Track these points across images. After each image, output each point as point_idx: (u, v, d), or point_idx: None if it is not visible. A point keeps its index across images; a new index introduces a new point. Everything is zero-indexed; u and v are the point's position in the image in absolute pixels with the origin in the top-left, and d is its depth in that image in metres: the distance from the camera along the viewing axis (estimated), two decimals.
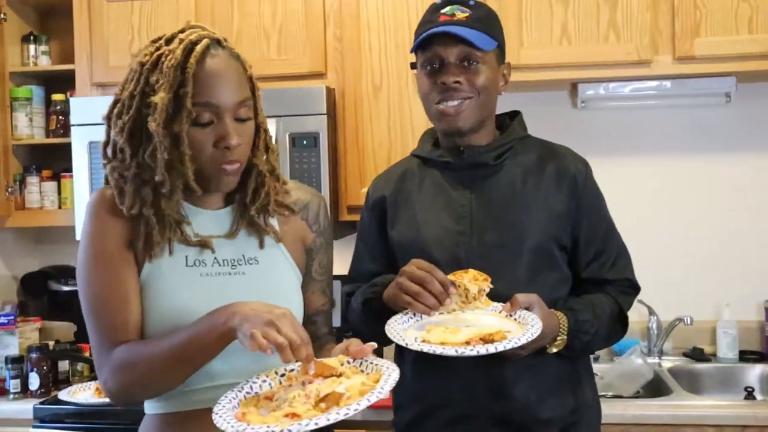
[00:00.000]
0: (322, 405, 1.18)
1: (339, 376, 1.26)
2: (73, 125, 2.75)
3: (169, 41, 1.39)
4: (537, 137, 1.84)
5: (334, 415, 1.13)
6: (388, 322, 1.57)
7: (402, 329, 1.55)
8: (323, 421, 1.12)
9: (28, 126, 2.98)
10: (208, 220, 1.48)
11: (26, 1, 3.07)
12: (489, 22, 1.71)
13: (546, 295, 1.64)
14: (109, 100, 2.72)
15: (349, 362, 1.33)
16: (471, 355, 1.42)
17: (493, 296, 1.59)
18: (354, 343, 1.35)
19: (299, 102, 2.62)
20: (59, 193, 3.01)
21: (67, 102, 2.97)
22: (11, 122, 2.95)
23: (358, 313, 1.77)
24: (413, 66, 1.80)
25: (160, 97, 1.34)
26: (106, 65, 2.84)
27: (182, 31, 1.41)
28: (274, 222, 1.54)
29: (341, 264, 2.48)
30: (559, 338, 1.63)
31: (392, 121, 2.70)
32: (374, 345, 1.35)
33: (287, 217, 1.55)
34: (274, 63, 2.72)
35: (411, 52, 1.76)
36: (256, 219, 1.49)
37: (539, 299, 1.59)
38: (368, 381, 1.24)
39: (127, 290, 1.39)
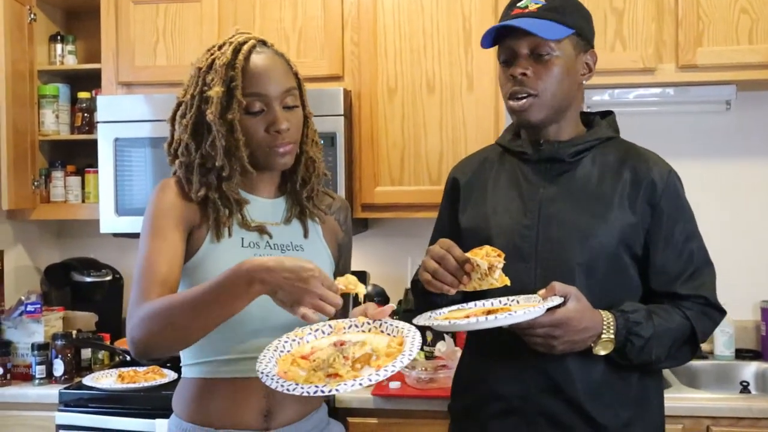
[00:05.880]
0: (358, 366, 1.32)
1: (356, 296, 1.42)
2: (99, 122, 2.86)
3: (220, 47, 1.58)
4: (627, 140, 1.82)
5: (375, 377, 1.27)
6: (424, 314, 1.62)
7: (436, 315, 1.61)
8: (365, 382, 1.26)
9: (55, 122, 3.09)
10: (262, 207, 1.64)
11: (54, 2, 3.18)
12: (564, 11, 1.68)
13: (607, 300, 1.62)
14: (134, 98, 2.86)
15: (368, 323, 1.47)
16: (464, 327, 1.48)
17: None
18: (371, 306, 1.50)
19: (317, 103, 2.67)
20: (83, 187, 3.12)
21: (92, 100, 3.09)
22: (38, 118, 3.06)
23: (413, 292, 1.84)
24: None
25: (214, 91, 1.53)
26: (132, 65, 2.95)
27: (232, 36, 1.60)
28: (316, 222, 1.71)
29: (354, 260, 2.60)
30: (604, 336, 1.57)
31: (406, 123, 2.81)
32: (393, 306, 1.50)
33: (325, 216, 1.72)
34: None
35: (485, 47, 1.73)
36: (306, 203, 1.66)
37: (578, 292, 1.55)
38: (393, 343, 1.38)
39: (172, 257, 1.51)
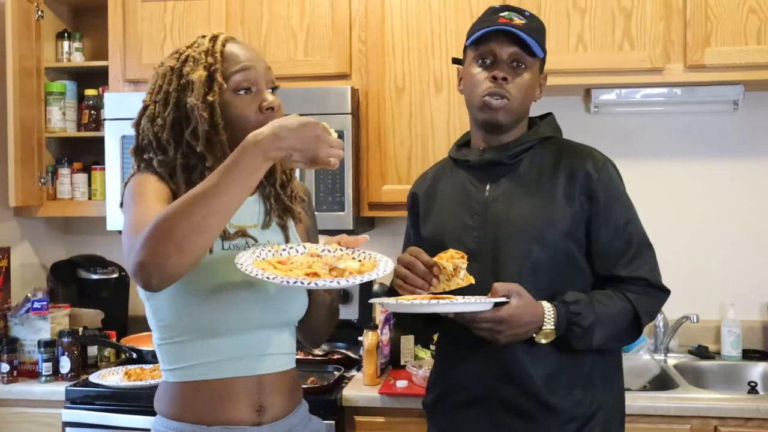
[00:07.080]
0: (334, 273, 1.38)
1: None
2: (106, 119, 2.87)
3: (189, 46, 1.57)
4: (565, 138, 1.91)
5: (352, 280, 1.34)
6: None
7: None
8: (343, 283, 1.33)
9: (61, 119, 3.09)
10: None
11: None
12: (540, 34, 1.83)
13: (557, 288, 1.73)
14: (141, 96, 2.84)
15: (341, 250, 1.50)
16: (408, 308, 1.61)
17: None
18: (345, 236, 1.54)
19: (324, 101, 2.73)
20: (90, 185, 3.12)
21: (98, 97, 3.09)
22: (45, 115, 3.06)
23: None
24: (456, 61, 1.91)
25: (197, 75, 1.50)
26: (139, 62, 2.95)
27: (202, 36, 1.59)
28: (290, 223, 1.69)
29: None
30: (545, 327, 1.68)
31: (413, 122, 2.81)
32: (366, 237, 1.54)
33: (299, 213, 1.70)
34: (301, 63, 2.83)
35: (467, 44, 1.84)
36: (288, 203, 1.64)
37: (519, 288, 1.66)
38: (366, 263, 1.42)
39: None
